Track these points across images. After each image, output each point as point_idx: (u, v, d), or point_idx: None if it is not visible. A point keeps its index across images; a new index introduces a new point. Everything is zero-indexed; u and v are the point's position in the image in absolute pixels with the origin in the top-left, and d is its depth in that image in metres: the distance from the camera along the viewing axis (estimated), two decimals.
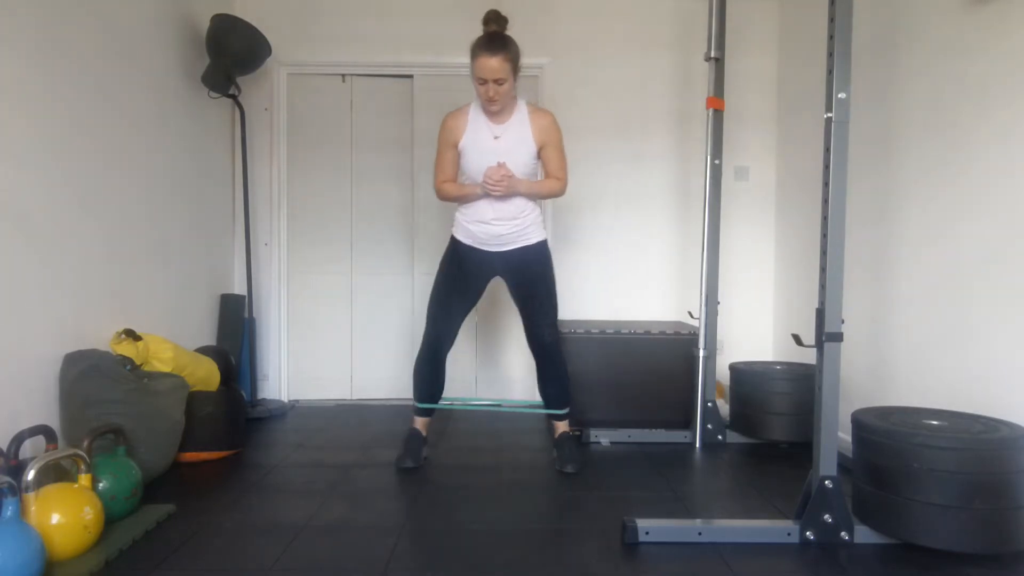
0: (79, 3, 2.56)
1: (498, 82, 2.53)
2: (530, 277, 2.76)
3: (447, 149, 2.72)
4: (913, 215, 2.65)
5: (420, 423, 2.88)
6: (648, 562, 1.92)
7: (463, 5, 3.91)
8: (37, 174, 2.34)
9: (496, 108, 2.61)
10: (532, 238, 2.75)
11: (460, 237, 2.78)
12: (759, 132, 3.98)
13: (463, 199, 2.73)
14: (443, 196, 2.78)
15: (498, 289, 3.77)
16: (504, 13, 2.61)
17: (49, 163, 2.40)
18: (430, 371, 2.82)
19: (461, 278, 2.78)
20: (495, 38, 2.54)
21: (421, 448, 2.83)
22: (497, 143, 2.65)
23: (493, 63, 2.50)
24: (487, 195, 2.64)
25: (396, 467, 2.76)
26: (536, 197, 2.75)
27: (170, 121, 3.23)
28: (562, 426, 2.88)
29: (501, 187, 2.57)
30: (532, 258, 2.76)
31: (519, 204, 2.69)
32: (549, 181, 2.74)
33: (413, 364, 2.87)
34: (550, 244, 3.93)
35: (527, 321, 2.79)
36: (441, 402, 2.91)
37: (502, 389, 4.04)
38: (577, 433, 2.87)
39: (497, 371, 4.05)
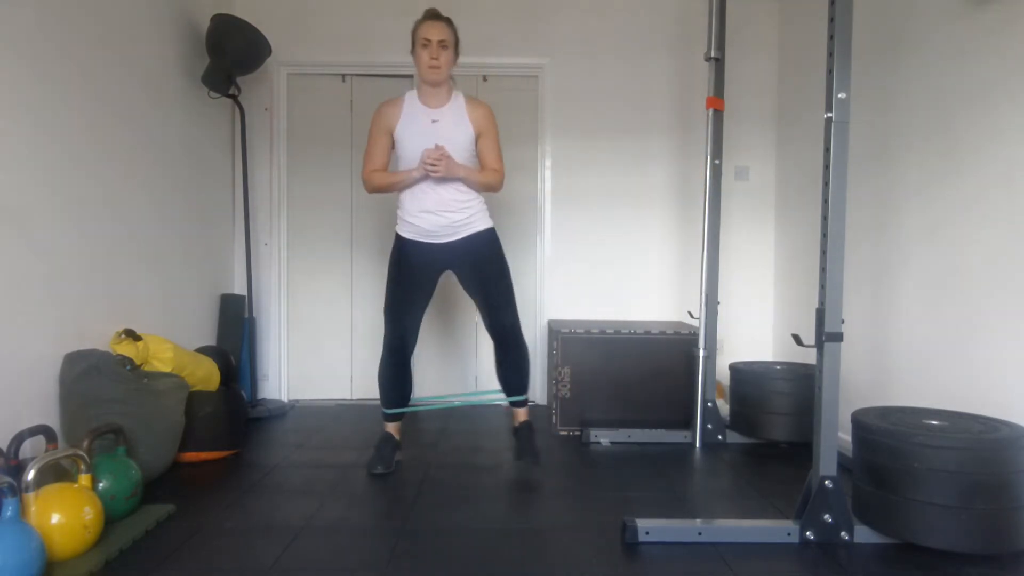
0: (78, 4, 2.56)
1: (442, 44, 2.58)
2: (483, 262, 2.71)
3: (380, 136, 2.68)
4: (913, 215, 2.65)
5: (392, 428, 2.83)
6: (648, 562, 1.92)
7: (463, 5, 3.91)
8: (37, 175, 2.34)
9: (437, 75, 2.60)
10: (479, 225, 2.71)
11: (404, 233, 2.72)
12: (759, 132, 3.98)
13: (397, 186, 2.67)
14: (372, 185, 2.70)
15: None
16: (444, 12, 2.69)
17: (49, 163, 2.40)
18: (396, 375, 2.76)
19: (412, 276, 2.72)
20: (439, 14, 2.67)
21: (394, 453, 2.79)
22: (435, 127, 2.63)
23: (439, 25, 2.61)
24: (425, 180, 2.61)
25: (368, 472, 2.72)
26: (474, 185, 2.68)
27: (170, 121, 3.23)
28: (522, 414, 2.84)
29: (440, 166, 2.53)
30: (483, 244, 2.71)
31: (462, 193, 2.65)
32: (487, 171, 2.70)
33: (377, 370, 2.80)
34: (552, 243, 3.99)
35: (486, 307, 2.74)
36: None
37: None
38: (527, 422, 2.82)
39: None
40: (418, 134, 2.62)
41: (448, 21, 2.65)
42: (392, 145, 2.71)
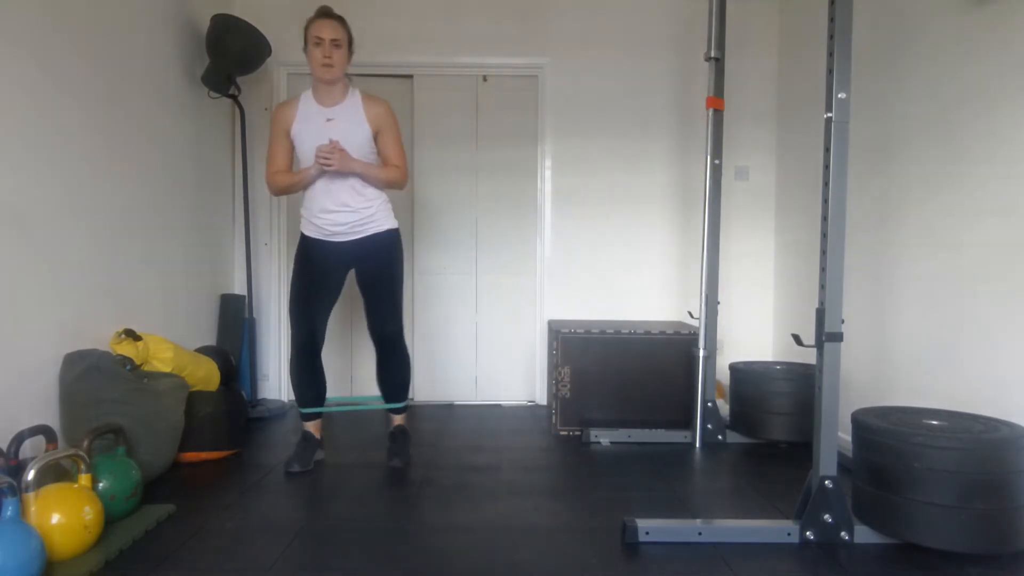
0: (79, 3, 2.56)
1: (335, 43, 2.58)
2: (374, 265, 2.72)
3: (279, 138, 2.69)
4: (913, 215, 2.65)
5: (311, 427, 2.83)
6: (648, 562, 1.92)
7: (463, 5, 3.91)
8: (37, 175, 2.34)
9: (330, 74, 2.59)
10: (382, 225, 2.72)
11: (308, 232, 2.74)
12: (759, 132, 3.98)
13: (297, 185, 2.67)
14: (275, 187, 2.71)
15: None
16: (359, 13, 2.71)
17: (49, 164, 2.40)
18: (308, 374, 2.76)
19: (316, 274, 2.72)
20: (332, 12, 2.64)
21: (313, 452, 2.80)
22: (330, 125, 2.63)
23: (331, 23, 2.59)
24: (323, 179, 2.62)
25: (284, 472, 2.71)
26: (374, 181, 2.68)
27: (170, 121, 3.23)
28: (398, 419, 2.89)
29: (334, 159, 2.53)
30: (379, 246, 2.72)
31: (362, 193, 2.66)
32: (388, 168, 2.70)
33: (288, 370, 2.79)
34: (552, 243, 3.99)
35: (371, 311, 2.75)
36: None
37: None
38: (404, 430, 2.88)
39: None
40: (313, 133, 2.63)
41: (341, 20, 2.63)
42: (292, 146, 2.71)
